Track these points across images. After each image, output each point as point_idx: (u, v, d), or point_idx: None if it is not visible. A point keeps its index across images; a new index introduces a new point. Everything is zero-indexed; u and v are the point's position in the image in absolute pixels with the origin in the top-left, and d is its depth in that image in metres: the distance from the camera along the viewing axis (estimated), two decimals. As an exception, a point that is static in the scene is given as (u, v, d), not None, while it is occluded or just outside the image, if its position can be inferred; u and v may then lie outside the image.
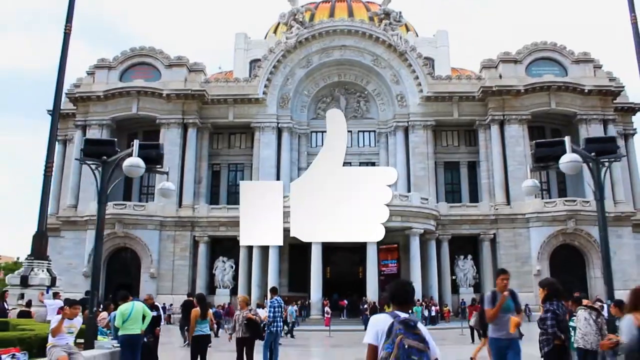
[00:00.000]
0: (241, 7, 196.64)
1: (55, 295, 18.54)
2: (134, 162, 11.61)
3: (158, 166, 13.02)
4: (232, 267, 43.01)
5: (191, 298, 19.04)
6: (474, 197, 45.70)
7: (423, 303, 37.49)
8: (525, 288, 38.51)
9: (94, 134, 44.33)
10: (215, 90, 45.59)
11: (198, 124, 44.71)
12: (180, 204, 43.28)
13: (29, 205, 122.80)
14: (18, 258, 66.87)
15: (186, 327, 18.90)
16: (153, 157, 12.56)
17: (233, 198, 46.46)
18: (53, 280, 19.15)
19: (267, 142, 45.01)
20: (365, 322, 33.86)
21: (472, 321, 21.71)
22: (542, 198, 44.41)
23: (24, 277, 18.51)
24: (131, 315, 10.91)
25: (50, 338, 9.03)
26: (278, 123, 45.46)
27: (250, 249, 42.27)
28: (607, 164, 12.58)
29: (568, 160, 11.15)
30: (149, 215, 42.31)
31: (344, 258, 43.66)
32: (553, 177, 46.57)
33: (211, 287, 42.77)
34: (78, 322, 9.92)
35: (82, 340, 10.80)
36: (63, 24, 20.14)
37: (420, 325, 4.32)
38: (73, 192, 44.01)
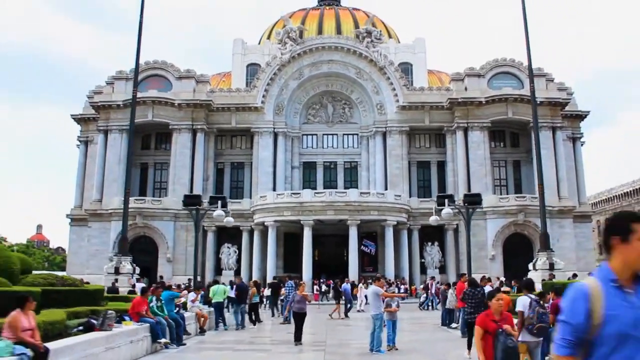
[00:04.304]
0: (236, 11, 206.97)
1: (138, 280, 30.03)
2: (220, 213, 22.95)
3: (225, 209, 24.32)
4: (235, 252, 54.59)
5: (275, 281, 30.66)
6: (442, 192, 56.91)
7: (397, 282, 49.28)
8: (481, 270, 50.50)
9: (115, 137, 55.23)
10: (219, 99, 56.56)
11: (205, 129, 55.73)
12: (190, 199, 54.56)
13: (18, 186, 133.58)
14: (28, 241, 77.75)
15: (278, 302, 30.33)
16: (224, 202, 23.85)
17: (235, 192, 57.82)
18: (134, 270, 30.59)
19: (265, 145, 56.27)
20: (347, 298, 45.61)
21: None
22: (501, 194, 56.31)
23: (117, 267, 29.94)
24: (217, 291, 22.45)
25: (189, 302, 20.62)
26: (274, 128, 56.64)
27: (251, 236, 53.89)
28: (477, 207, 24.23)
29: (445, 212, 22.84)
30: (165, 208, 53.54)
31: (331, 244, 55.27)
32: (510, 175, 58.48)
33: (217, 269, 54.34)
34: (194, 295, 21.52)
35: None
36: None
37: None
38: (98, 188, 54.73)
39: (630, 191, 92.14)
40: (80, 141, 59.64)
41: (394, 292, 18.02)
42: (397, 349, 15.96)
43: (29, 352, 9.51)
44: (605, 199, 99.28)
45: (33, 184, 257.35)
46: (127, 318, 15.13)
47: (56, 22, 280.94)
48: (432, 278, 45.56)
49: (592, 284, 3.33)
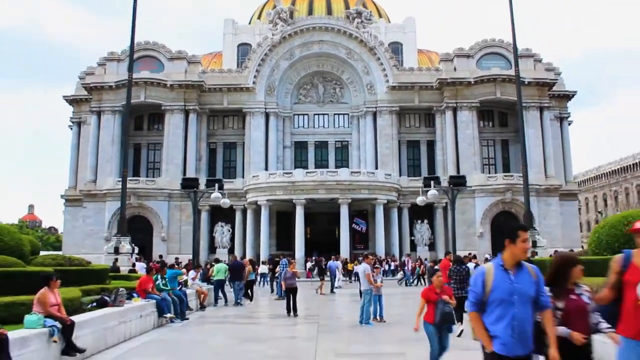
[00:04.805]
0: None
1: (138, 260, 31.36)
2: (217, 196, 24.25)
3: (221, 190, 25.60)
4: (229, 230, 55.99)
5: (277, 259, 32.31)
6: (432, 171, 58.49)
7: (387, 259, 50.88)
8: (469, 247, 52.28)
9: (108, 119, 56.14)
10: (211, 80, 57.49)
11: (197, 109, 56.73)
12: (184, 179, 55.70)
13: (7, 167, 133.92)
14: (20, 221, 78.90)
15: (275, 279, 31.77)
16: (220, 185, 25.15)
17: (227, 172, 59.03)
18: (133, 250, 31.91)
19: (257, 125, 57.41)
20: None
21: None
22: (489, 172, 57.90)
23: (116, 247, 31.21)
24: (219, 270, 23.86)
25: (190, 280, 22.01)
26: (266, 108, 57.75)
27: (244, 215, 55.26)
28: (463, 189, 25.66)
29: (431, 193, 24.30)
30: (159, 188, 54.70)
31: (322, 222, 56.70)
32: (499, 154, 60.01)
33: (212, 248, 55.79)
34: (194, 273, 22.90)
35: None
36: None
37: None
38: (92, 169, 55.73)
39: (618, 169, 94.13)
40: (73, 122, 60.51)
41: (378, 268, 19.42)
42: (384, 321, 17.46)
43: (58, 324, 10.86)
44: (594, 176, 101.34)
45: (23, 164, 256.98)
46: (135, 295, 16.49)
47: (45, 4, 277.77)
48: (408, 255, 47.29)
49: (489, 267, 5.25)
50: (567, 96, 61.61)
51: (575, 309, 5.58)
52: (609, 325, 5.60)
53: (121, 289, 15.04)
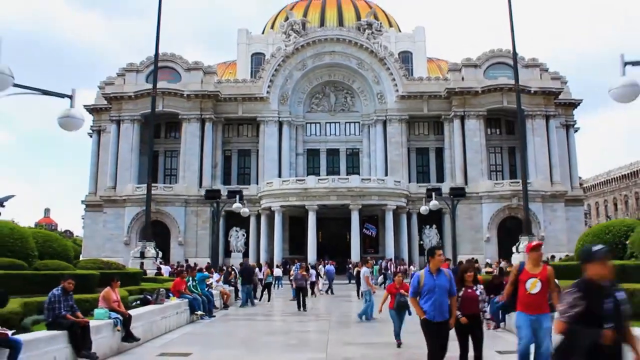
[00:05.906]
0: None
1: (163, 263, 34.20)
2: (239, 206, 27.04)
3: (241, 201, 28.39)
4: (244, 235, 58.88)
5: (300, 263, 35.32)
6: (440, 177, 61.20)
7: (396, 263, 53.44)
8: (477, 251, 54.93)
9: (127, 127, 59.23)
10: (227, 90, 60.52)
11: (213, 118, 59.75)
12: (200, 185, 58.55)
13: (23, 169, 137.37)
14: (36, 224, 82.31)
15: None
16: (240, 195, 27.95)
17: (242, 178, 62.01)
18: (157, 254, 34.76)
19: (271, 133, 60.36)
20: (350, 278, 49.79)
21: None
22: (496, 179, 60.41)
23: (142, 252, 34.05)
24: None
25: (214, 282, 24.83)
26: (279, 117, 60.73)
27: (258, 220, 58.10)
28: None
29: (432, 204, 27.01)
30: (176, 194, 57.73)
31: (334, 227, 59.43)
32: (505, 161, 62.51)
33: (227, 252, 58.65)
34: (218, 276, 25.71)
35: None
36: None
37: None
38: (111, 176, 58.86)
39: (628, 174, 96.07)
40: (92, 130, 63.78)
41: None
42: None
43: (119, 317, 13.66)
44: (604, 181, 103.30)
45: (38, 167, 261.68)
46: (170, 294, 19.31)
47: (57, 10, 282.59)
48: (390, 260, 50.02)
49: (422, 272, 8.39)
50: (573, 104, 63.97)
51: (466, 298, 9.26)
52: (488, 316, 9.73)
53: (162, 290, 17.84)
